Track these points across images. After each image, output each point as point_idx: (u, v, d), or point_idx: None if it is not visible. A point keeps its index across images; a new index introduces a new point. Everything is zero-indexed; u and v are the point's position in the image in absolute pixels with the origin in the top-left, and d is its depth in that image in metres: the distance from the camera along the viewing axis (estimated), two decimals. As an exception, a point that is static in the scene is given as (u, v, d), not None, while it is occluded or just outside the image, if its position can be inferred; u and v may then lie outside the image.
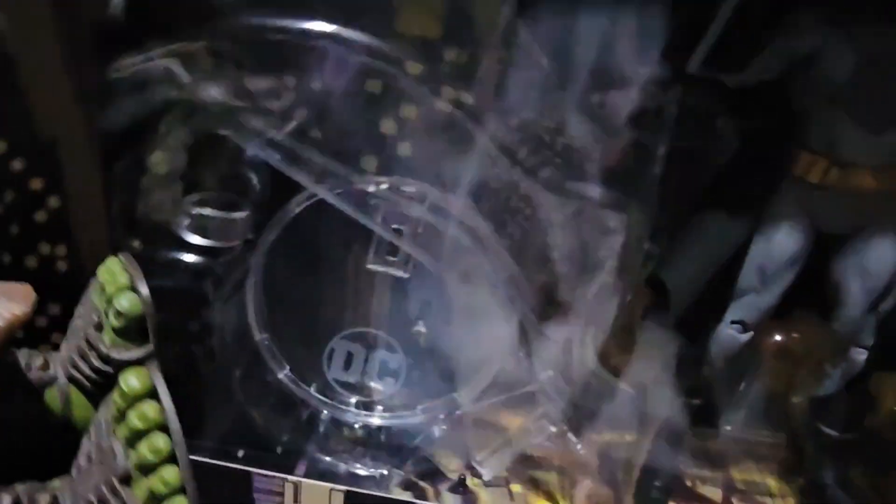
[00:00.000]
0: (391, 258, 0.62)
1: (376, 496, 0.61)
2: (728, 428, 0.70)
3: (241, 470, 0.61)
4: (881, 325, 0.61)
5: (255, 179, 0.60)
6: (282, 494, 0.62)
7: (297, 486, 0.62)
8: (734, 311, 0.63)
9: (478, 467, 0.66)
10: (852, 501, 0.66)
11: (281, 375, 0.66)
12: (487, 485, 0.66)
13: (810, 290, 0.63)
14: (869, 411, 0.66)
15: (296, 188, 0.60)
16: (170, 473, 0.37)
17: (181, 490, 0.37)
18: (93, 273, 0.40)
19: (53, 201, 0.57)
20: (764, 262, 0.61)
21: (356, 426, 0.68)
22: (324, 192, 0.59)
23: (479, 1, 0.61)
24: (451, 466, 0.68)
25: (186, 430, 0.37)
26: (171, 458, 0.37)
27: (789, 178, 0.59)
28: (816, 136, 0.57)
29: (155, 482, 0.36)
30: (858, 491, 0.68)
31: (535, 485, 0.68)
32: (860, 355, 0.62)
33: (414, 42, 0.60)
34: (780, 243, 0.60)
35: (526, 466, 0.68)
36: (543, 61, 0.61)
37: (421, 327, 0.65)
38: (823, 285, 0.62)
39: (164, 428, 0.37)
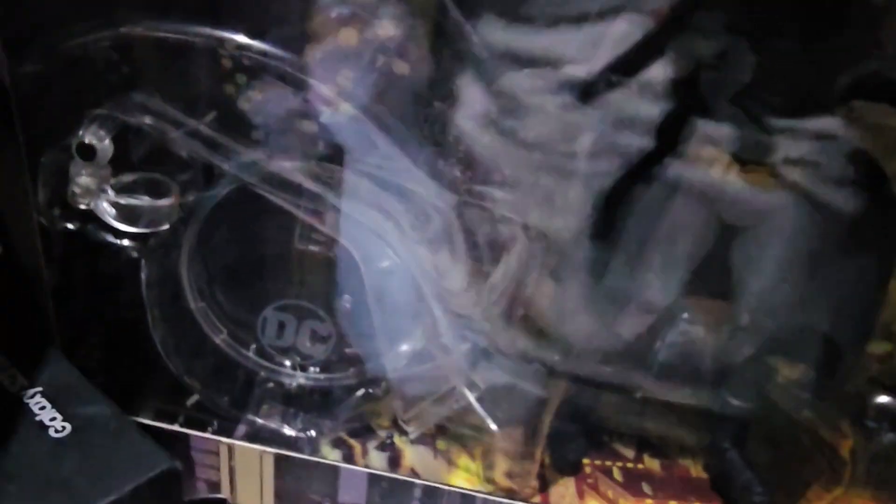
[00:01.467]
0: (316, 238, 0.65)
1: (304, 459, 0.67)
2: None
3: (179, 432, 0.67)
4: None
5: (182, 159, 0.62)
6: (217, 454, 0.68)
7: (230, 448, 0.67)
8: None
9: (404, 426, 0.71)
10: (745, 465, 0.71)
11: (218, 340, 0.71)
12: (413, 442, 0.72)
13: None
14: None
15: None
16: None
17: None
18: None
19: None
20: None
21: (291, 385, 0.73)
22: (248, 177, 0.61)
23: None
24: (384, 424, 0.74)
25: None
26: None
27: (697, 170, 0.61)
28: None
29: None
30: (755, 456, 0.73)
31: (459, 441, 0.73)
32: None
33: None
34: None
35: (451, 424, 0.73)
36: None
37: (346, 302, 0.68)
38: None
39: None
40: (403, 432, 0.72)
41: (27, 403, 0.59)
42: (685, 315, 0.67)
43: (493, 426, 0.68)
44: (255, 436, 0.70)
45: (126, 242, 0.63)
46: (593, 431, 0.76)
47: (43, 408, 0.59)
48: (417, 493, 0.69)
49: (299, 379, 0.72)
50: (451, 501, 0.69)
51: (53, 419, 0.58)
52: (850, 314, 0.64)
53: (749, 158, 0.59)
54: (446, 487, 0.69)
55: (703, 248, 0.64)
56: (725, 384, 0.71)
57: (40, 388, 0.61)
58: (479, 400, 0.68)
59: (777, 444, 0.72)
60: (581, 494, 0.71)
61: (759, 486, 0.71)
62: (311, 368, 0.72)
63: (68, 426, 0.58)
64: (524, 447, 0.72)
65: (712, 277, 0.66)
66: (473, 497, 0.69)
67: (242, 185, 0.63)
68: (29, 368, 0.63)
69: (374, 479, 0.68)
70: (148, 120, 0.58)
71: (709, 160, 0.60)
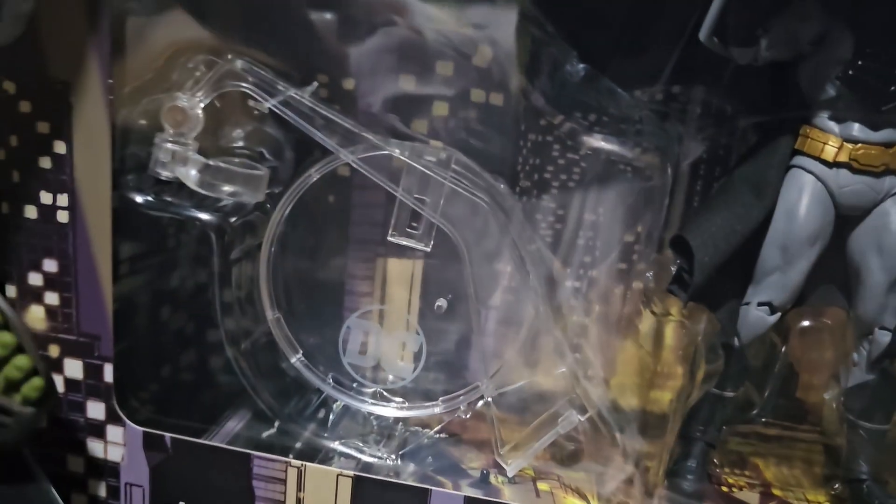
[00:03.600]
0: (412, 230, 0.59)
1: (387, 482, 0.56)
2: (762, 421, 0.68)
3: (239, 452, 0.55)
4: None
5: (276, 139, 0.58)
6: (284, 482, 0.56)
7: (300, 471, 0.56)
8: (759, 293, 0.62)
9: (502, 463, 0.62)
10: (887, 496, 0.64)
11: (294, 360, 0.61)
12: (512, 482, 0.62)
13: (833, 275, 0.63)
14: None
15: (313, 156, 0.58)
16: (21, 361, 0.50)
17: (34, 372, 0.50)
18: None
19: (59, 147, 0.53)
20: (786, 240, 0.61)
21: (371, 418, 0.63)
22: (346, 156, 0.57)
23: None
24: (473, 464, 0.64)
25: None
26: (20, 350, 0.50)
27: (806, 157, 0.60)
28: (828, 117, 0.59)
29: (9, 370, 0.49)
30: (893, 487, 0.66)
31: (562, 482, 0.63)
32: (884, 336, 0.62)
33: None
34: (801, 220, 0.60)
35: (553, 463, 0.64)
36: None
37: (442, 303, 0.61)
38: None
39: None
40: (500, 471, 0.62)
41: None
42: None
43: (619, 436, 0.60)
44: (326, 461, 0.59)
45: (205, 217, 0.56)
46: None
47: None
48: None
49: (383, 409, 0.62)
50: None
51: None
52: None
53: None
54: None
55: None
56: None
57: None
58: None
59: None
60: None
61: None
62: (396, 398, 0.63)
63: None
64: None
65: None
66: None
67: (332, 174, 0.58)
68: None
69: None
70: (247, 84, 0.54)
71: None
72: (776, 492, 0.68)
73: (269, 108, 0.55)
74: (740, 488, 0.67)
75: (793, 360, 0.68)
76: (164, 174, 0.54)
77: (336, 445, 0.60)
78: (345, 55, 0.60)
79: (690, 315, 0.64)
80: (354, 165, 0.56)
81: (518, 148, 0.63)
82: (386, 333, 0.62)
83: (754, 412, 0.69)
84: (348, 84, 0.61)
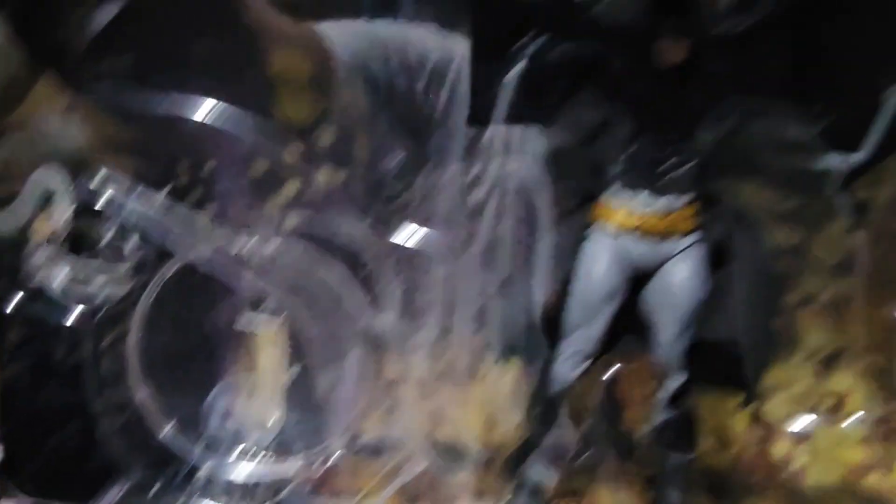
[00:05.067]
0: (259, 314, 0.69)
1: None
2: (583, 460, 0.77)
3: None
4: (693, 350, 0.70)
5: (132, 243, 0.67)
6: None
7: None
8: (569, 346, 0.71)
9: (361, 504, 0.71)
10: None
11: (163, 433, 0.70)
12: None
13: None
14: (700, 432, 0.74)
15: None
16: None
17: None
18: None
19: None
20: (586, 299, 0.70)
21: (234, 477, 0.72)
22: (193, 256, 0.67)
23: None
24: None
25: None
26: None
27: (600, 223, 0.70)
28: (618, 190, 0.69)
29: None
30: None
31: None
32: (675, 382, 0.71)
33: (290, 127, 0.73)
34: (598, 281, 0.70)
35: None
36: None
37: (293, 371, 0.71)
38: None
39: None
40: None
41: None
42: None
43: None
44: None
45: (74, 319, 0.65)
46: None
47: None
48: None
49: (245, 467, 0.71)
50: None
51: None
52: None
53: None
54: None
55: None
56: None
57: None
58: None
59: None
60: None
61: None
62: (258, 455, 0.72)
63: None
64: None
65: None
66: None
67: (191, 264, 0.68)
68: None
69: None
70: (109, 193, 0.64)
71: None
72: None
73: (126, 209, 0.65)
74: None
75: (618, 398, 0.77)
76: (36, 279, 0.63)
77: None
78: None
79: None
80: (198, 264, 0.66)
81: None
82: (249, 398, 0.72)
83: (587, 448, 0.77)
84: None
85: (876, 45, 0.65)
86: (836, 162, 0.66)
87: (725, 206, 0.70)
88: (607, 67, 0.65)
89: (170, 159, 0.74)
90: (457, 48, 0.79)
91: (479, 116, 0.68)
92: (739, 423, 0.81)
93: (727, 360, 0.66)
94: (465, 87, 0.74)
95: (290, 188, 0.76)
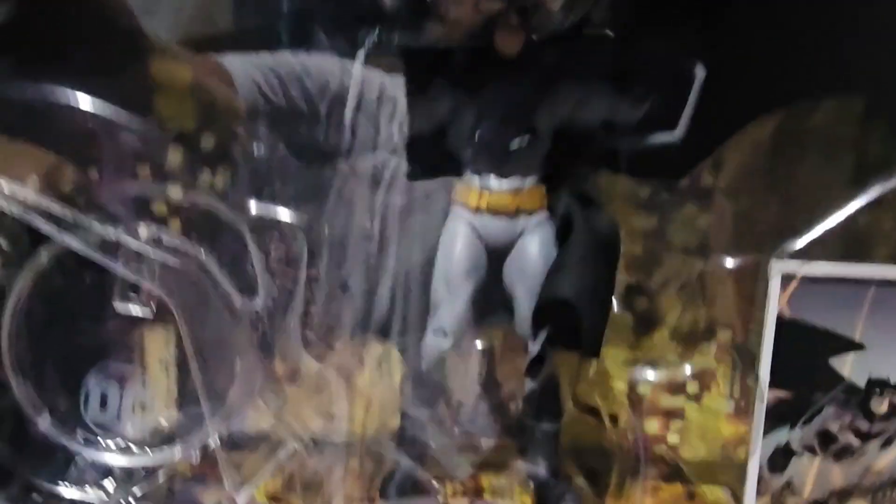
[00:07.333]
0: (133, 296, 0.72)
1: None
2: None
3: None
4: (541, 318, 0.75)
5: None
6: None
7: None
8: (434, 322, 0.76)
9: (234, 495, 0.73)
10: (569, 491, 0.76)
11: (41, 424, 0.72)
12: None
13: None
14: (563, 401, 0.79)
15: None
16: None
17: None
18: None
19: None
20: (447, 275, 0.75)
21: (115, 466, 0.74)
22: (70, 241, 0.70)
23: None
24: (210, 499, 0.74)
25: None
26: None
27: (457, 205, 0.75)
28: (470, 171, 0.75)
29: None
30: (570, 479, 0.79)
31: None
32: (535, 346, 0.75)
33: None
34: (456, 258, 0.75)
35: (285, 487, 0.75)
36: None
37: (175, 361, 0.73)
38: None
39: None
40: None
41: None
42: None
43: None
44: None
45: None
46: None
47: None
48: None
49: (124, 456, 0.73)
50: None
51: None
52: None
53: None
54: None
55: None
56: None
57: None
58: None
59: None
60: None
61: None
62: (135, 445, 0.74)
63: None
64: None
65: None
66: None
67: (63, 253, 0.71)
68: None
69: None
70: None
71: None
72: (486, 496, 0.79)
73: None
74: (454, 494, 0.79)
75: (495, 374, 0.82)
76: None
77: (76, 493, 0.70)
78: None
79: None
80: (74, 248, 0.69)
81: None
82: (124, 388, 0.74)
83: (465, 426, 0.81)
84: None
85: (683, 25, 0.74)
86: (660, 139, 0.73)
87: (569, 187, 0.76)
88: (451, 59, 0.71)
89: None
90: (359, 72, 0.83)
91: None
92: (612, 402, 0.86)
93: (569, 323, 0.71)
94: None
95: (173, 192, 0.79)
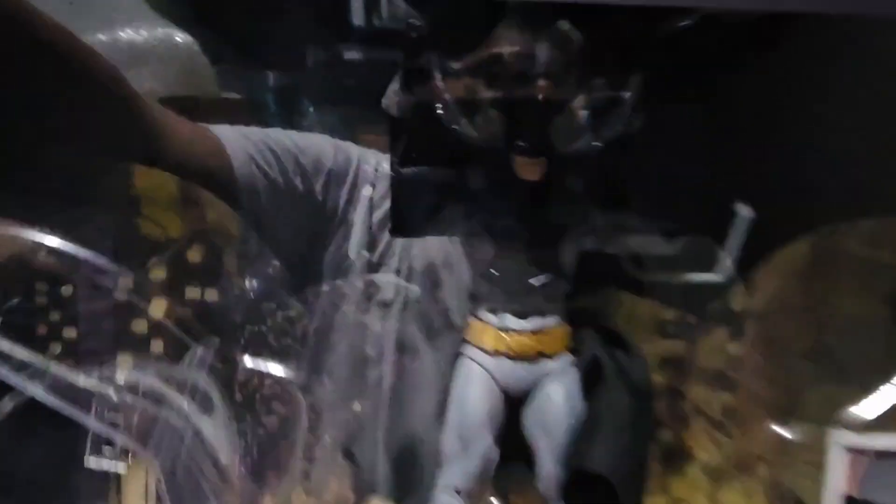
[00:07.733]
0: (108, 450, 0.64)
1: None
2: None
3: None
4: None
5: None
6: None
7: None
8: (445, 478, 0.67)
9: None
10: None
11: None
12: None
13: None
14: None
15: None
16: None
17: None
18: None
19: None
20: (461, 428, 0.67)
21: None
22: (32, 390, 0.61)
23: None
24: None
25: None
26: None
27: (471, 346, 0.68)
28: (486, 309, 0.67)
29: None
30: None
31: None
32: (555, 504, 0.67)
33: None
34: (471, 408, 0.67)
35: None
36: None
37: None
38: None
39: None
40: None
41: None
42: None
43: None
44: None
45: None
46: None
47: None
48: None
49: None
50: None
51: None
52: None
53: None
54: None
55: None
56: None
57: None
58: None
59: None
60: None
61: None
62: None
63: None
64: None
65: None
66: None
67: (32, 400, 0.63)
68: None
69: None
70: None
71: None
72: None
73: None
74: None
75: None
76: None
77: None
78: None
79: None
80: (40, 399, 0.61)
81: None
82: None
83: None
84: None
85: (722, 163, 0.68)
86: (704, 279, 0.67)
87: (597, 326, 0.69)
88: (466, 184, 0.65)
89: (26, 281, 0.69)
90: (353, 152, 0.81)
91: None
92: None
93: (602, 491, 0.63)
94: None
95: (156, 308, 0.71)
